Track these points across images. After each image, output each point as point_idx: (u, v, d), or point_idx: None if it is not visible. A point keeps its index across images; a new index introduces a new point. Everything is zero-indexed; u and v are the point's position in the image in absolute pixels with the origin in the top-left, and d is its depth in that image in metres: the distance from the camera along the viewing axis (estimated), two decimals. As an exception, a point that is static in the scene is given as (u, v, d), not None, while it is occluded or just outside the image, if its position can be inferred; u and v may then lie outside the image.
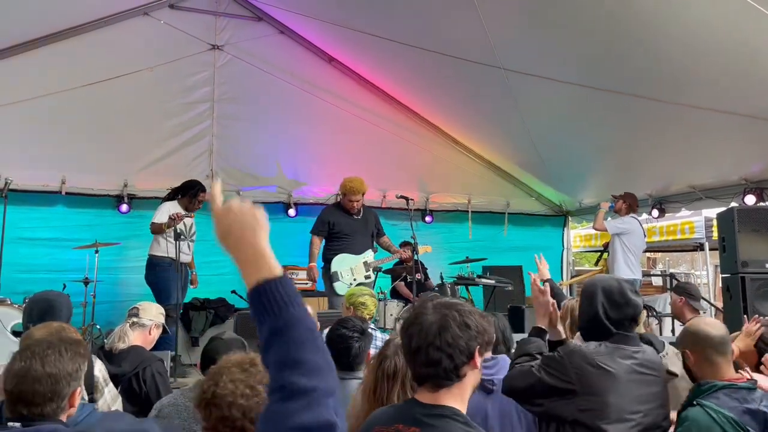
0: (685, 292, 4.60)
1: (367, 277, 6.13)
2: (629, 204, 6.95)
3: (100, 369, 2.90)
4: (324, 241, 6.23)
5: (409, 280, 6.37)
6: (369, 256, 6.15)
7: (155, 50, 7.23)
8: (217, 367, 1.94)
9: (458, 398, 1.65)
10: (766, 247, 5.42)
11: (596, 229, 7.36)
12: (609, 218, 7.01)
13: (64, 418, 1.88)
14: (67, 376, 1.86)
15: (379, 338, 3.88)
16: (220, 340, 2.73)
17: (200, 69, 7.54)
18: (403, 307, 6.94)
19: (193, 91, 7.53)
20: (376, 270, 6.90)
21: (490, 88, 6.79)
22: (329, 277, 6.09)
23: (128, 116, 7.19)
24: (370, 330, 2.88)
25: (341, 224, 6.12)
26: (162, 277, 5.86)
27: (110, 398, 2.94)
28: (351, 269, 6.10)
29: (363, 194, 6.28)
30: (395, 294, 7.85)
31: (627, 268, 6.68)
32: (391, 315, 6.90)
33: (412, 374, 1.70)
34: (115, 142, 7.18)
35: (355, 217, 6.21)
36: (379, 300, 7.08)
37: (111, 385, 2.99)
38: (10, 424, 1.79)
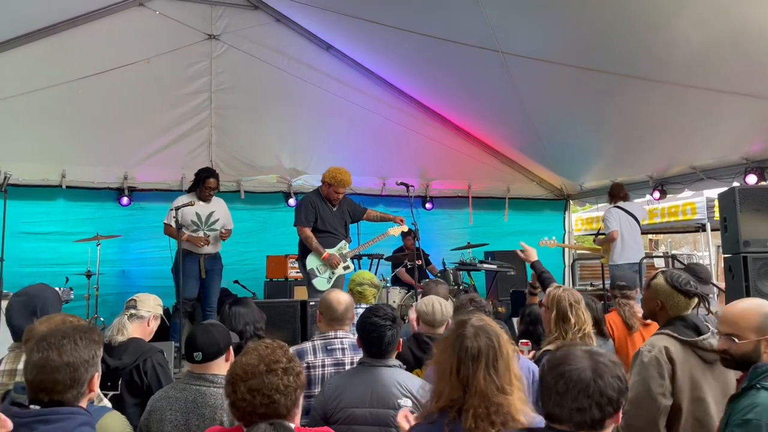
0: (693, 275, 4.55)
1: (345, 268, 5.93)
2: (610, 195, 7.35)
3: None
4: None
5: (409, 266, 6.29)
6: (344, 247, 6.00)
7: (151, 41, 7.19)
8: (236, 372, 1.96)
9: None
10: (768, 227, 5.40)
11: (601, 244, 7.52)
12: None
13: (84, 402, 1.96)
14: (85, 363, 1.93)
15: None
16: (199, 325, 2.75)
17: (197, 59, 7.50)
18: (406, 293, 6.96)
19: (190, 82, 7.50)
20: (356, 258, 6.79)
21: (489, 72, 6.74)
22: (306, 274, 5.86)
23: (126, 108, 7.17)
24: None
25: (323, 216, 5.89)
26: (177, 270, 5.82)
27: None
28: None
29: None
30: (397, 281, 7.87)
31: (618, 255, 7.00)
32: (394, 302, 6.91)
33: (549, 413, 1.70)
34: (114, 135, 7.17)
35: (334, 209, 5.99)
36: (383, 287, 7.11)
37: None
38: (32, 405, 1.88)
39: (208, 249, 6.11)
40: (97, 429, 2.20)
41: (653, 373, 2.61)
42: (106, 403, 2.95)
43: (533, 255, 4.42)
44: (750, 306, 2.39)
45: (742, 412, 2.19)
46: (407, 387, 2.66)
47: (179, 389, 2.57)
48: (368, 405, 2.62)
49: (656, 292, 2.83)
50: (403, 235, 7.77)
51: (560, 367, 1.69)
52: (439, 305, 3.50)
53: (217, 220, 6.20)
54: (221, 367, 2.56)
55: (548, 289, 3.38)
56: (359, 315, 3.01)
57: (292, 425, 1.95)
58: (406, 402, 2.59)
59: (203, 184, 6.12)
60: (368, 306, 3.72)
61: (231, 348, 2.68)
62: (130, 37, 7.18)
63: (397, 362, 2.83)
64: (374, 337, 2.74)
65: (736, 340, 2.32)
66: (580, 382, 1.64)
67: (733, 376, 2.62)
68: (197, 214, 6.07)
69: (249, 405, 1.91)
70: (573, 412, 1.65)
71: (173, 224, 5.77)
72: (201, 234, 6.03)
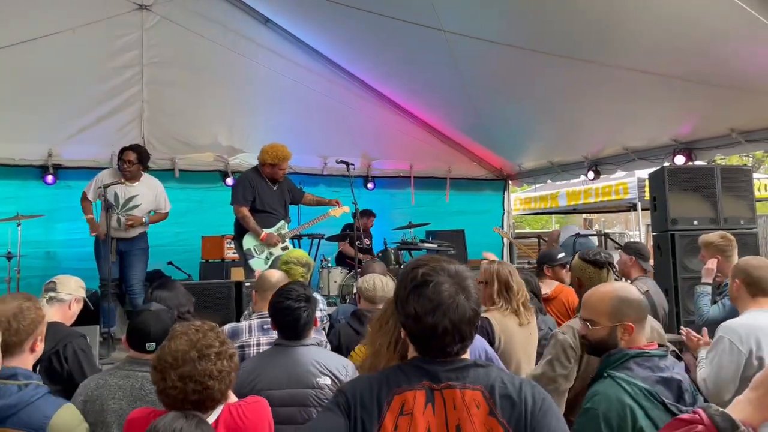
0: (636, 253, 4.66)
1: (284, 249, 5.75)
2: None
3: None
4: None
5: (351, 243, 6.26)
6: (283, 227, 5.90)
7: (78, 10, 6.76)
8: (165, 359, 1.88)
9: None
10: (695, 205, 5.64)
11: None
12: None
13: None
14: None
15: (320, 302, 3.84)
16: (149, 312, 2.60)
17: (127, 31, 7.13)
18: (347, 274, 6.92)
19: (120, 55, 7.13)
20: (297, 238, 6.71)
21: (431, 51, 6.69)
22: (243, 254, 5.71)
23: (51, 81, 6.74)
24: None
25: (261, 195, 5.71)
26: (96, 252, 5.62)
27: None
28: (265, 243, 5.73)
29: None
30: (340, 261, 7.82)
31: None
32: (335, 282, 6.88)
33: (425, 348, 1.57)
34: (38, 110, 6.74)
35: (273, 188, 5.82)
36: (323, 267, 7.05)
37: None
38: None
39: (122, 233, 5.63)
40: (52, 426, 2.05)
41: (561, 355, 2.72)
42: None
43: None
44: (606, 291, 2.32)
45: (586, 400, 2.15)
46: (325, 365, 2.64)
47: (120, 376, 2.41)
48: (286, 386, 2.58)
49: (573, 269, 2.96)
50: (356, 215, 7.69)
51: (439, 310, 1.55)
52: (380, 282, 3.55)
53: (138, 206, 5.68)
54: None
55: (483, 266, 3.45)
56: None
57: (214, 416, 1.88)
58: (325, 380, 2.58)
59: (121, 157, 5.68)
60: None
61: None
62: (55, 5, 6.72)
63: (315, 340, 2.80)
64: (290, 320, 2.68)
65: (590, 326, 2.28)
66: (465, 316, 1.55)
67: None
68: (116, 195, 5.56)
69: (180, 392, 1.83)
70: (460, 343, 1.58)
71: (90, 198, 5.63)
72: (115, 216, 5.49)
